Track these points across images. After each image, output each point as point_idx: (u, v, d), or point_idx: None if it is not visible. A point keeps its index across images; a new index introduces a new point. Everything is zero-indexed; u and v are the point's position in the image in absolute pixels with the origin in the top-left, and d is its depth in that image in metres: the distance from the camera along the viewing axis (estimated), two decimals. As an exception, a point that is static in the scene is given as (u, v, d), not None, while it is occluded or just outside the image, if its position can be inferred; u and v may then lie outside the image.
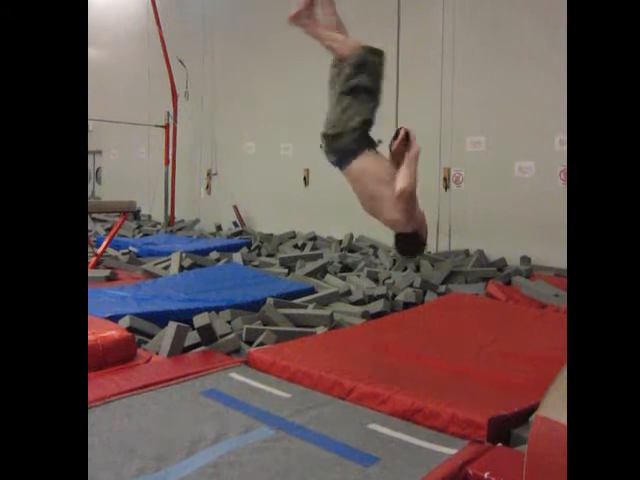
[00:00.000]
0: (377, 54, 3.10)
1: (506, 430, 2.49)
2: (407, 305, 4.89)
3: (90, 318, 3.06)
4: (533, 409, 2.57)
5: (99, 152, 12.89)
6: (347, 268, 6.44)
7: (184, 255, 6.30)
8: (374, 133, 3.13)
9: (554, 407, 1.78)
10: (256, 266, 6.46)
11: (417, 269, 6.31)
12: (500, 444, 2.33)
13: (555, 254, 5.99)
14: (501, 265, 6.45)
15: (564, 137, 6.41)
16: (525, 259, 6.58)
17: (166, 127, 10.25)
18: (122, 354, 3.20)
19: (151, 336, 3.74)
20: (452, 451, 2.23)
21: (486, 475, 2.03)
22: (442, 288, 5.45)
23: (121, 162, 12.38)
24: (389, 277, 5.75)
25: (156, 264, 6.30)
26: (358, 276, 5.94)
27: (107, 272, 5.70)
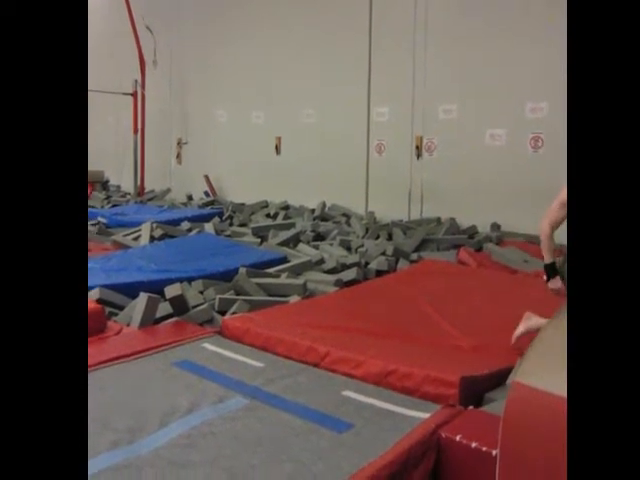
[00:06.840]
0: None
1: (479, 392, 2.54)
2: (380, 273, 4.91)
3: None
4: (506, 372, 2.62)
5: (65, 121, 12.57)
6: (320, 237, 6.43)
7: (155, 225, 6.21)
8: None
9: (531, 373, 1.80)
10: (228, 236, 6.42)
11: (389, 237, 6.33)
12: (472, 407, 2.36)
13: (525, 221, 6.06)
14: (472, 232, 6.50)
15: (534, 105, 6.44)
16: (495, 226, 6.65)
17: (134, 95, 10.00)
18: (92, 326, 3.14)
19: (121, 308, 3.70)
20: (425, 415, 2.26)
21: (458, 438, 2.06)
22: (414, 256, 5.48)
23: (88, 130, 12.08)
24: (362, 245, 5.77)
25: (126, 235, 6.20)
26: (331, 245, 5.95)
27: (76, 244, 5.60)
